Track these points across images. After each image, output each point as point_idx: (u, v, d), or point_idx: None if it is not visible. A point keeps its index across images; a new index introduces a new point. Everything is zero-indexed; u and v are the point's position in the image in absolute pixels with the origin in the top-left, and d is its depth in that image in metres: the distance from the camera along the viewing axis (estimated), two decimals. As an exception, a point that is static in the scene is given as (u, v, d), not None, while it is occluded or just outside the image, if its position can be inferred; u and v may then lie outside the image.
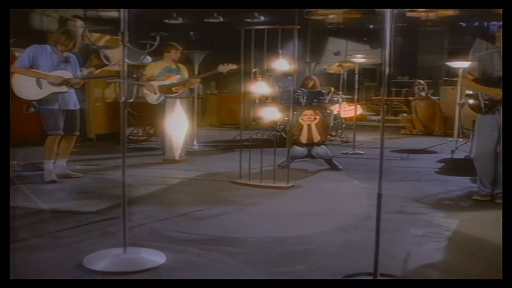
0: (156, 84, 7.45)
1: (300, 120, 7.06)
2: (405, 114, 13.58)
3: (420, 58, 19.64)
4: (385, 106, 3.11)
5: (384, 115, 3.10)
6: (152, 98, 7.55)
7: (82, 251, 3.44)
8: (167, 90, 7.49)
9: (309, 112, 7.10)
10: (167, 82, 7.56)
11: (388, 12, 2.84)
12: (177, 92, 7.53)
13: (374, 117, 17.69)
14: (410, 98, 15.79)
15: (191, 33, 20.32)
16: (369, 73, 19.82)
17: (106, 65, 9.21)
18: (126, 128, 3.38)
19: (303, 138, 7.02)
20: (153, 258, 3.36)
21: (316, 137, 7.01)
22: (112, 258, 3.30)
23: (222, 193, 5.48)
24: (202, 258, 3.39)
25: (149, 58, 11.05)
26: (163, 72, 7.71)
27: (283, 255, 3.48)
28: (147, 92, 7.55)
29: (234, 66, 7.45)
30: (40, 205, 4.79)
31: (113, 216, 4.35)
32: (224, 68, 7.46)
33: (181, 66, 7.96)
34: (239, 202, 5.06)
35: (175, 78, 7.60)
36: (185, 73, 7.91)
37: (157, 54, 8.00)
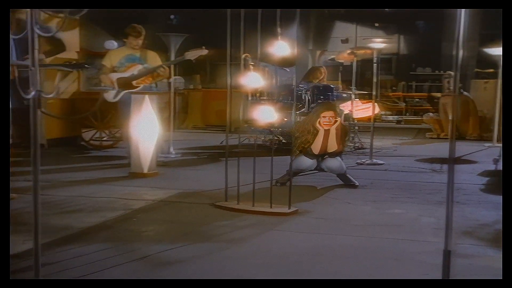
0: (115, 76, 6.70)
1: (317, 125, 6.16)
2: (431, 114, 12.79)
3: (445, 46, 18.86)
4: (457, 104, 2.27)
5: (455, 118, 2.27)
6: (110, 94, 6.81)
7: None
8: (127, 84, 6.74)
9: (329, 113, 6.21)
10: (126, 74, 6.82)
11: (462, 12, 2.57)
12: (139, 87, 6.79)
13: (390, 117, 16.97)
14: (434, 94, 15.07)
15: (172, 16, 19.67)
16: (384, 64, 19.06)
17: (61, 51, 8.44)
18: (40, 133, 2.53)
19: (316, 148, 6.15)
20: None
21: (333, 146, 6.14)
22: None
23: (200, 222, 4.65)
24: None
25: (114, 43, 10.37)
26: (123, 62, 7.00)
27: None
28: (105, 86, 6.81)
29: (205, 51, 6.73)
30: None
31: (48, 261, 3.49)
32: (193, 54, 6.77)
33: (149, 53, 7.23)
34: (222, 237, 4.21)
35: (136, 69, 6.86)
36: (153, 62, 7.15)
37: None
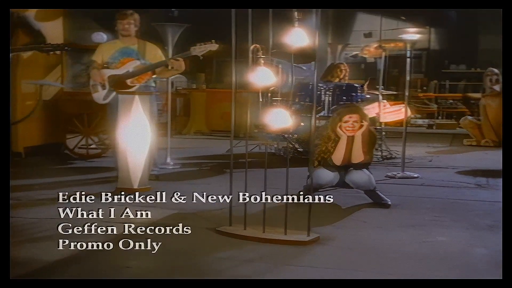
0: (106, 73, 6.32)
1: (338, 130, 5.65)
2: (469, 117, 12.20)
3: (482, 40, 18.39)
4: None
5: None
6: (99, 94, 6.43)
7: None
8: (120, 84, 6.33)
9: (353, 116, 5.70)
10: (120, 71, 6.40)
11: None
12: (134, 86, 6.37)
13: (421, 121, 16.42)
14: (471, 94, 14.49)
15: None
16: (413, 61, 18.60)
17: (41, 43, 8.03)
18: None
19: (337, 158, 5.64)
20: None
21: (358, 156, 5.64)
22: None
23: (197, 253, 4.15)
24: None
25: (103, 36, 9.98)
26: (116, 56, 6.57)
27: None
28: (95, 84, 6.43)
29: (215, 46, 6.27)
30: None
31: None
32: (200, 49, 6.31)
33: (148, 46, 6.79)
34: (223, 274, 3.71)
35: (131, 65, 6.42)
36: (152, 56, 6.71)
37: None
